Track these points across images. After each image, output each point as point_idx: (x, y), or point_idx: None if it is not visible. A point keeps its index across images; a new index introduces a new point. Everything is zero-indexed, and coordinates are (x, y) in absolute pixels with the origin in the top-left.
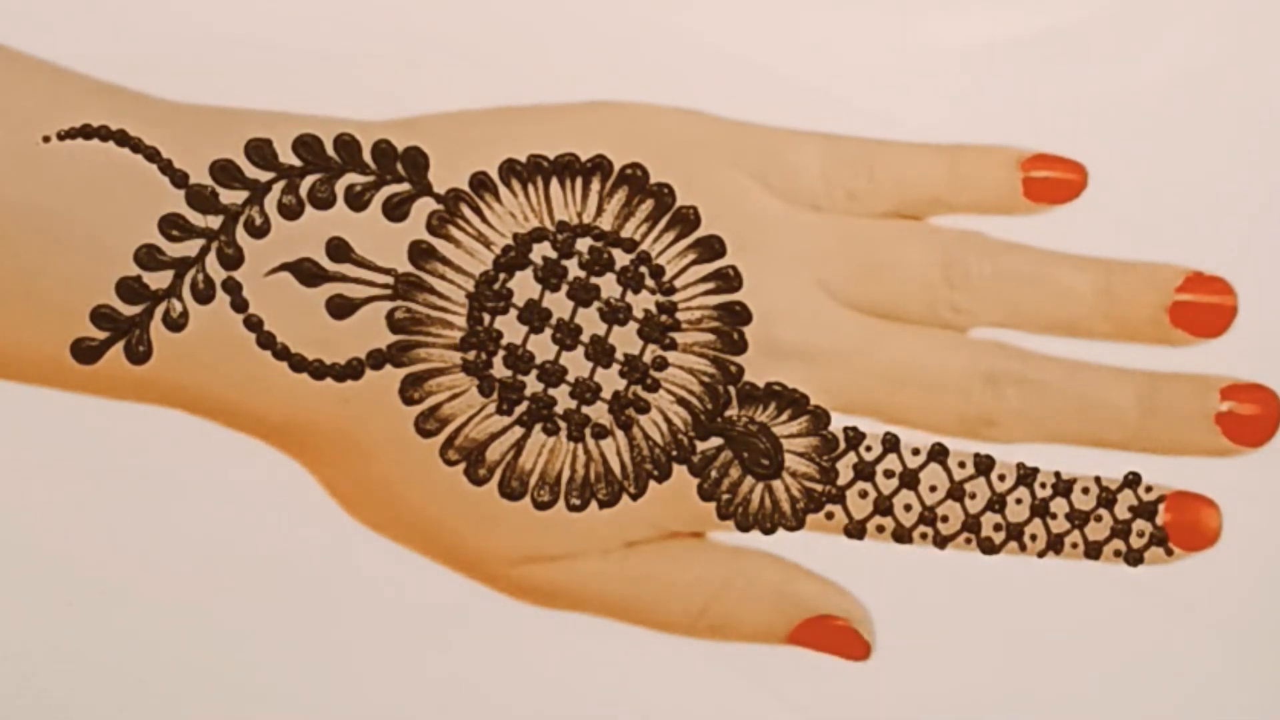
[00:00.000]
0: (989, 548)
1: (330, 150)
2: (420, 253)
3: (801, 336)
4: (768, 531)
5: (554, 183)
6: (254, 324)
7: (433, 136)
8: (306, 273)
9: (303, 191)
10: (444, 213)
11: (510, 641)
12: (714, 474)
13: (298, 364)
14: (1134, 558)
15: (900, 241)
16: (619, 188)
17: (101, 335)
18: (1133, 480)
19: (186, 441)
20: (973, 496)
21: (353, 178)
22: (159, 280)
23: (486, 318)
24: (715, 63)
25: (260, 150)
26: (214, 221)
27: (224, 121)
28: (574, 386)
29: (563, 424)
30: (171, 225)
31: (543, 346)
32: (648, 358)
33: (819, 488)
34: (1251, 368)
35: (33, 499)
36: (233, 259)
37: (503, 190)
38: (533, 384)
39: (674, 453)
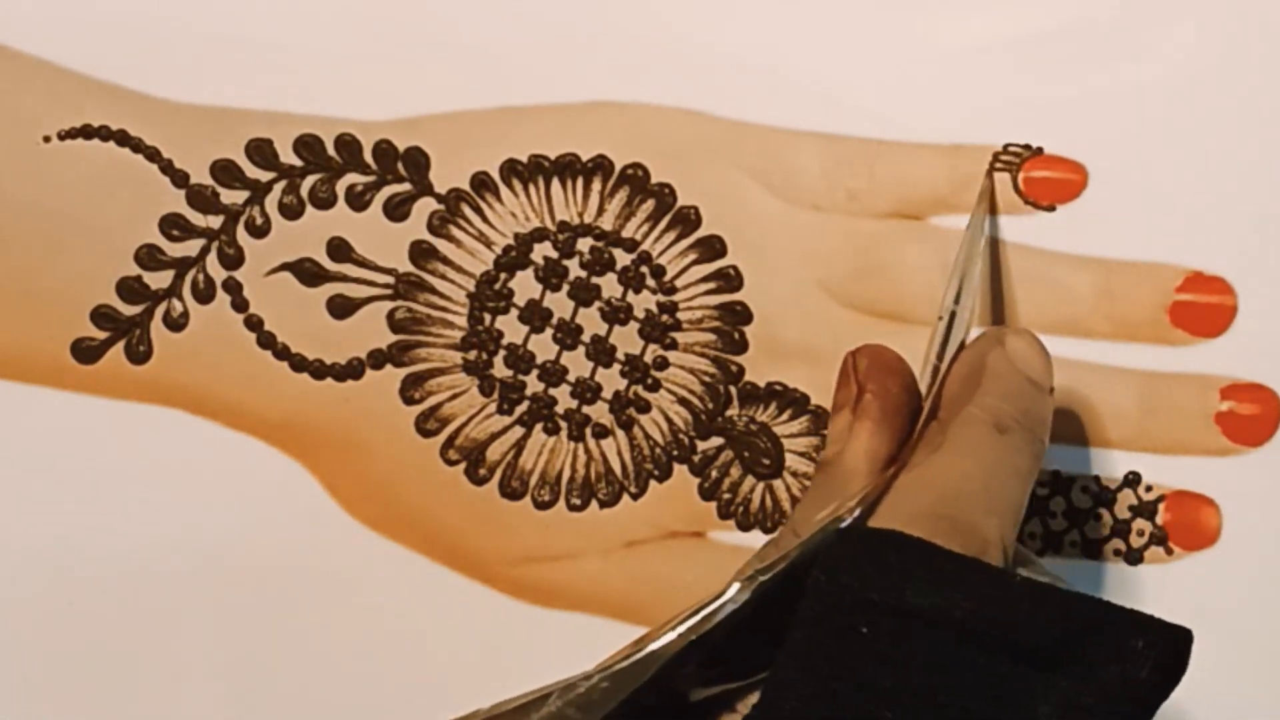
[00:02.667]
0: None
1: (331, 150)
2: (421, 252)
3: (802, 336)
4: (768, 531)
5: (555, 182)
6: (254, 324)
7: (434, 136)
8: (307, 273)
9: (303, 191)
10: (445, 212)
11: (510, 641)
12: (714, 474)
13: (298, 364)
14: (1134, 557)
15: (900, 241)
16: (620, 188)
17: (102, 335)
18: (1133, 480)
19: (186, 441)
20: None
21: (354, 177)
22: (159, 280)
23: (487, 317)
24: (715, 63)
25: (261, 150)
26: (214, 221)
27: (224, 121)
28: (575, 386)
29: (563, 424)
30: (172, 225)
31: (543, 346)
32: (649, 357)
33: None
34: (1251, 368)
35: (33, 499)
36: (233, 259)
37: (504, 190)
38: (533, 384)
39: (675, 452)
